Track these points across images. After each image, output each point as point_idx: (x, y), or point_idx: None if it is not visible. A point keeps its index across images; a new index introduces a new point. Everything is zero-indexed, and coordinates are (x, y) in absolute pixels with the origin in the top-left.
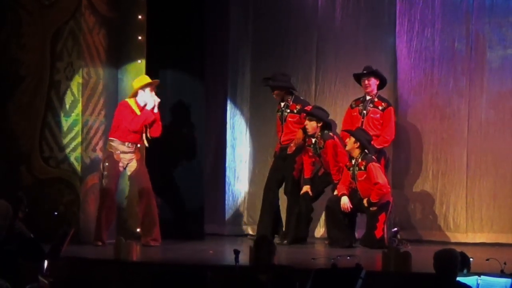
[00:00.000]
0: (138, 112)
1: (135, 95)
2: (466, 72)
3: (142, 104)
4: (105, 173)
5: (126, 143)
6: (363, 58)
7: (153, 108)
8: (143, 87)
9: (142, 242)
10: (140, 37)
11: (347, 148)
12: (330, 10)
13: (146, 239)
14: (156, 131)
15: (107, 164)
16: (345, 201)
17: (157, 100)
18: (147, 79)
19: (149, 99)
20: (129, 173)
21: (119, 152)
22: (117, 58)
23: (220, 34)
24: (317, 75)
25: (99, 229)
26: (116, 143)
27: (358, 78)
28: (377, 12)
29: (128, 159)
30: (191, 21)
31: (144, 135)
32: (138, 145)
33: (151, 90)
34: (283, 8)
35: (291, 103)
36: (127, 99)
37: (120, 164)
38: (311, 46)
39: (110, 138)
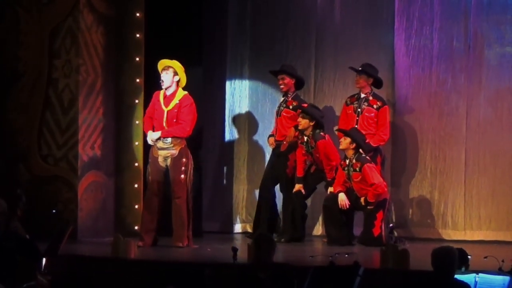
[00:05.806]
0: (163, 105)
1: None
2: (465, 70)
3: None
4: (149, 169)
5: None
6: (362, 55)
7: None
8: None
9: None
10: (138, 35)
11: (342, 147)
12: (329, 7)
13: (173, 239)
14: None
15: (150, 160)
16: (342, 198)
17: (163, 80)
18: (160, 65)
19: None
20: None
21: (157, 148)
22: (115, 56)
23: (218, 31)
24: (316, 72)
25: (140, 228)
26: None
27: None
28: (376, 9)
29: (164, 156)
30: (189, 19)
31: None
32: (178, 140)
33: (164, 71)
34: (281, 4)
35: (289, 98)
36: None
37: (160, 160)
38: (310, 44)
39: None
